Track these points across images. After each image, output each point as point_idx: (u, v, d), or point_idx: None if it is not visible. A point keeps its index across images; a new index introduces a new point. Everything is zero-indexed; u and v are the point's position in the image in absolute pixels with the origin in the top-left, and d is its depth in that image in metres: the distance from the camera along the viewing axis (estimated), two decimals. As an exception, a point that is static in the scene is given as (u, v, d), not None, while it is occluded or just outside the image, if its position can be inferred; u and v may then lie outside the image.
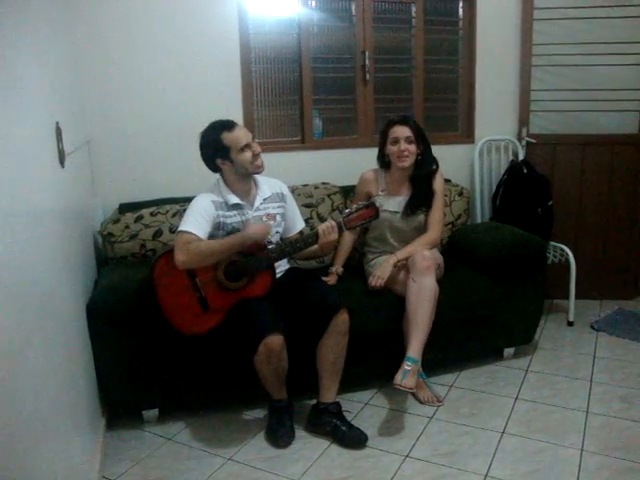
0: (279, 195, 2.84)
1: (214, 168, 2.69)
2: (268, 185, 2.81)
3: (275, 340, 2.42)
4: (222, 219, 2.64)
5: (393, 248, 3.09)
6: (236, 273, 2.58)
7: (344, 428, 2.61)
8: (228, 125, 2.64)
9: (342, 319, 2.59)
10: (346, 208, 2.69)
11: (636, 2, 3.82)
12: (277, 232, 2.80)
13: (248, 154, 2.61)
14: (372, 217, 2.66)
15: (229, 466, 2.45)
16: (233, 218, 2.67)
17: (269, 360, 2.45)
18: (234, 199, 2.66)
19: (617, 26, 3.85)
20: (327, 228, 2.59)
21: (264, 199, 2.76)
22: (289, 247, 2.64)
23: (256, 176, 2.76)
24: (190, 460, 2.50)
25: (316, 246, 2.67)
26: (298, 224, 2.93)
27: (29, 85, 1.88)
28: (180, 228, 2.53)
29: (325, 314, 2.59)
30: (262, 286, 2.62)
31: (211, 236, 2.59)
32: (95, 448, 2.41)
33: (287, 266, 2.91)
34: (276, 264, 2.69)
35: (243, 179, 2.69)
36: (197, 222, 2.54)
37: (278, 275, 2.77)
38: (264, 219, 2.73)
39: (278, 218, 2.80)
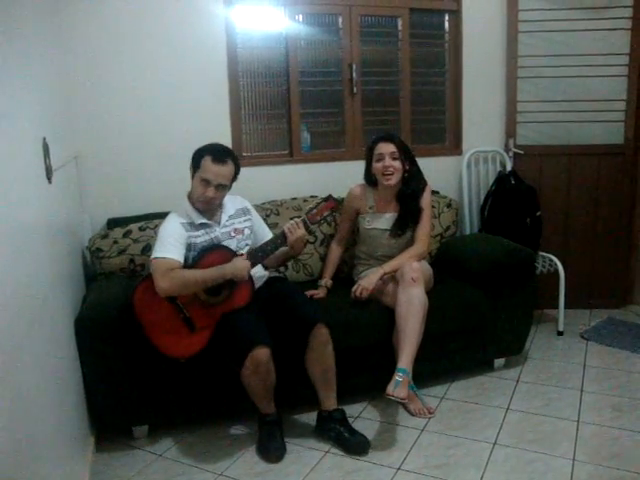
0: (243, 210, 2.87)
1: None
2: (231, 202, 2.83)
3: (262, 352, 2.42)
4: (192, 240, 2.66)
5: (382, 262, 3.08)
6: (215, 288, 2.59)
7: (347, 434, 2.63)
8: (219, 156, 2.62)
9: (319, 333, 2.59)
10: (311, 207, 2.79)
11: (619, 15, 3.87)
12: (247, 245, 2.80)
13: (201, 189, 2.61)
14: (333, 209, 2.80)
15: (220, 482, 2.44)
16: (201, 237, 2.69)
17: (257, 373, 2.44)
18: (200, 219, 2.69)
19: (601, 38, 3.90)
20: (292, 226, 2.67)
21: (229, 216, 2.78)
22: (260, 252, 2.68)
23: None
24: (181, 476, 2.48)
25: (287, 248, 2.73)
26: (267, 234, 2.93)
27: (16, 100, 1.88)
28: (157, 255, 2.54)
29: (302, 330, 2.60)
30: (242, 296, 2.63)
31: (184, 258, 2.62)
32: (84, 465, 2.39)
33: (265, 273, 2.91)
34: (253, 271, 2.67)
35: None
36: (174, 247, 2.57)
37: (259, 284, 2.79)
38: (232, 234, 2.76)
39: (247, 231, 2.83)
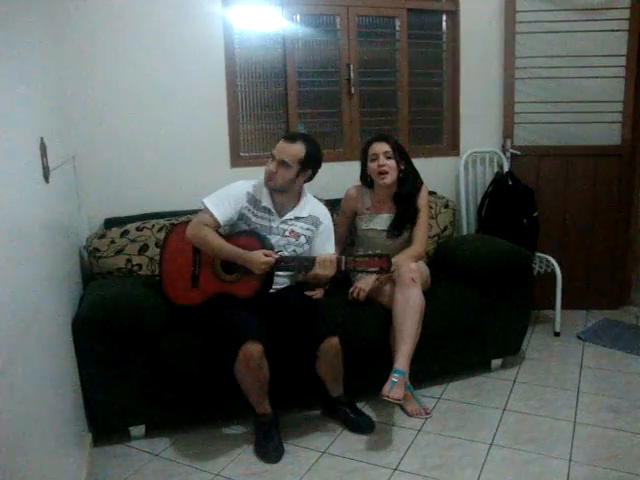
0: (314, 219, 2.83)
1: None
2: (311, 206, 2.84)
3: (253, 347, 2.42)
4: (248, 213, 2.72)
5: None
6: (230, 267, 2.65)
7: (353, 415, 2.76)
8: (290, 135, 2.81)
9: (329, 346, 2.61)
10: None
11: (616, 16, 3.88)
12: (294, 251, 2.79)
13: (268, 164, 2.71)
14: (382, 269, 2.55)
15: (217, 482, 2.44)
16: (260, 220, 2.73)
17: (248, 367, 2.44)
18: (266, 202, 2.74)
19: (598, 39, 3.90)
20: (324, 260, 2.57)
21: (296, 217, 2.78)
22: (284, 262, 2.64)
23: (304, 196, 2.82)
24: (177, 476, 2.48)
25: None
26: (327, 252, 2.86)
27: (12, 100, 1.88)
28: (209, 204, 2.67)
29: (312, 343, 2.62)
30: (247, 288, 2.64)
31: (233, 224, 2.75)
32: (81, 465, 2.38)
33: (288, 283, 2.88)
34: (277, 278, 2.72)
35: None
36: (224, 208, 2.68)
37: (277, 287, 2.78)
38: (286, 234, 2.76)
39: (302, 239, 2.80)
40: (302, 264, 2.65)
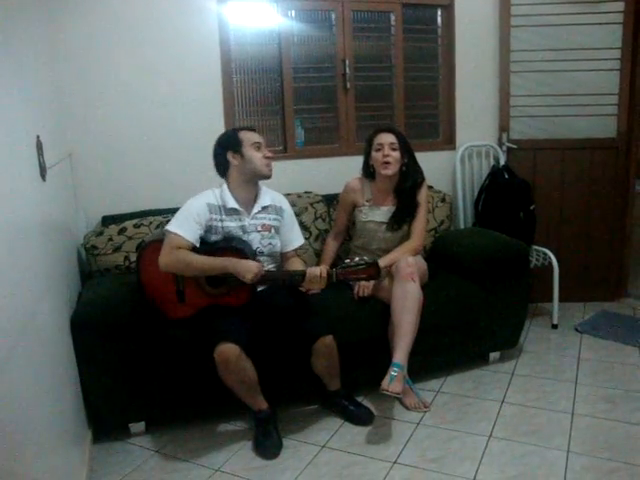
0: (277, 208, 2.84)
1: (224, 166, 2.73)
2: (270, 196, 2.83)
3: (227, 349, 2.41)
4: (216, 223, 2.65)
5: (377, 256, 3.09)
6: (217, 280, 2.60)
7: (352, 407, 2.80)
8: (246, 127, 2.81)
9: (323, 345, 2.62)
10: (346, 259, 2.64)
11: (611, 9, 3.88)
12: (270, 243, 2.79)
13: (259, 153, 2.68)
14: (371, 276, 2.60)
15: (217, 477, 2.44)
16: (229, 223, 2.68)
17: (227, 369, 2.44)
18: (233, 204, 2.68)
19: (593, 32, 3.91)
20: (315, 276, 2.54)
21: (262, 207, 2.77)
22: (272, 277, 2.66)
23: (261, 186, 2.80)
24: (177, 472, 2.49)
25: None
26: (295, 241, 2.91)
27: (8, 98, 1.88)
28: (171, 228, 2.56)
29: (306, 342, 2.63)
30: (238, 301, 2.62)
31: (204, 239, 2.63)
32: (81, 462, 2.39)
33: None
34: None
35: (247, 184, 2.72)
36: (189, 225, 2.57)
37: (265, 286, 2.77)
38: (259, 229, 2.74)
39: (273, 231, 2.80)
40: (292, 278, 2.63)
